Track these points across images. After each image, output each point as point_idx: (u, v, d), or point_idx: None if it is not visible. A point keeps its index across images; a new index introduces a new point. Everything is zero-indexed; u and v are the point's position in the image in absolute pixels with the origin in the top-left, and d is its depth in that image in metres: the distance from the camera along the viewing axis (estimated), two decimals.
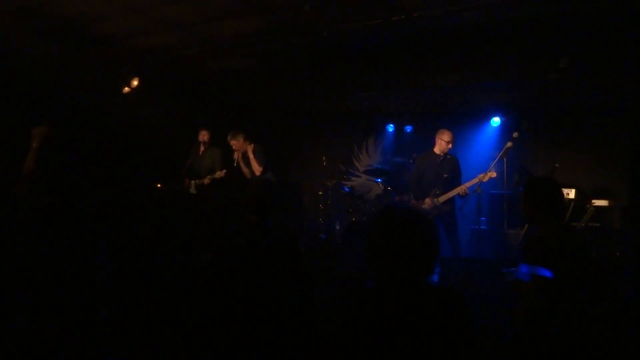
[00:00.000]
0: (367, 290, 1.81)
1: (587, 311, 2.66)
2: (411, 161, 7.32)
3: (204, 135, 6.59)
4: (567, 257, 2.65)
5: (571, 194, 5.94)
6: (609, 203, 5.95)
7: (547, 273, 1.95)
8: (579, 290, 2.66)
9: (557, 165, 6.48)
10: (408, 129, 8.10)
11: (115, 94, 6.30)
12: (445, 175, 5.75)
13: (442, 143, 5.77)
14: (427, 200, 5.75)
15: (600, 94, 6.52)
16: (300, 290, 3.01)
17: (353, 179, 7.75)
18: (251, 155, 6.31)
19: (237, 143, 6.37)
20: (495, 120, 7.40)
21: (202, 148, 6.61)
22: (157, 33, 5.32)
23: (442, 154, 5.80)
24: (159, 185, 6.93)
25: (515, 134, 5.59)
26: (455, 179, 5.73)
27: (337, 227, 7.54)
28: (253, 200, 3.16)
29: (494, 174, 5.48)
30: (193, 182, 6.53)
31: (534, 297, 2.62)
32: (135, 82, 6.30)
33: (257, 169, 6.30)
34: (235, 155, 6.45)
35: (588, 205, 5.89)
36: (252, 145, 6.38)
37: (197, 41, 5.62)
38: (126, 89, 6.31)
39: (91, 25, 5.13)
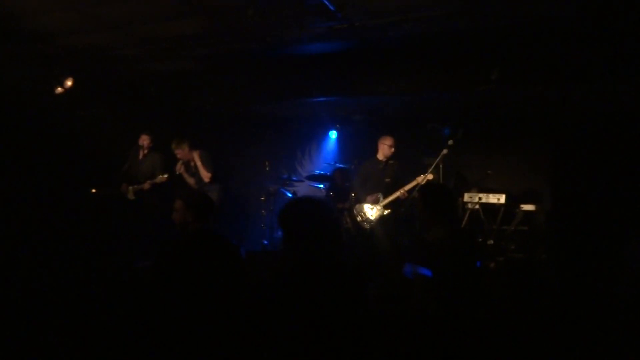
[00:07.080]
0: (288, 268, 2.08)
1: (470, 312, 2.77)
2: (353, 167, 7.45)
3: (144, 140, 6.30)
4: (448, 259, 2.78)
5: (502, 199, 6.18)
6: (535, 207, 6.24)
7: (427, 272, 2.16)
8: (460, 292, 2.76)
9: (489, 172, 6.79)
10: (350, 135, 8.25)
11: (47, 95, 6.00)
12: (387, 180, 5.91)
13: (384, 147, 5.93)
14: (369, 200, 5.90)
15: (527, 105, 6.91)
16: (242, 297, 3.00)
17: (296, 184, 7.76)
18: (199, 163, 6.05)
19: (181, 152, 6.09)
20: (431, 128, 7.64)
21: (141, 152, 6.32)
22: (93, 31, 5.13)
23: (384, 159, 5.96)
24: (93, 190, 6.64)
25: (450, 142, 5.80)
26: (398, 184, 5.87)
27: (280, 234, 7.49)
28: (190, 207, 3.16)
29: (430, 177, 5.67)
30: (131, 187, 6.23)
31: (419, 295, 2.76)
32: (69, 83, 6.01)
33: (205, 175, 6.02)
34: (178, 167, 6.18)
35: (517, 210, 6.21)
36: (198, 151, 6.13)
37: (136, 41, 5.46)
38: (59, 90, 6.01)
39: (23, 19, 4.87)
